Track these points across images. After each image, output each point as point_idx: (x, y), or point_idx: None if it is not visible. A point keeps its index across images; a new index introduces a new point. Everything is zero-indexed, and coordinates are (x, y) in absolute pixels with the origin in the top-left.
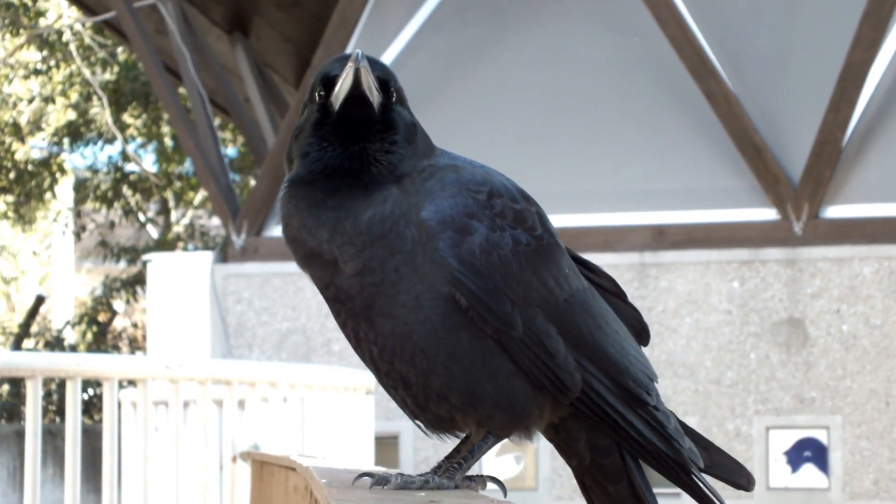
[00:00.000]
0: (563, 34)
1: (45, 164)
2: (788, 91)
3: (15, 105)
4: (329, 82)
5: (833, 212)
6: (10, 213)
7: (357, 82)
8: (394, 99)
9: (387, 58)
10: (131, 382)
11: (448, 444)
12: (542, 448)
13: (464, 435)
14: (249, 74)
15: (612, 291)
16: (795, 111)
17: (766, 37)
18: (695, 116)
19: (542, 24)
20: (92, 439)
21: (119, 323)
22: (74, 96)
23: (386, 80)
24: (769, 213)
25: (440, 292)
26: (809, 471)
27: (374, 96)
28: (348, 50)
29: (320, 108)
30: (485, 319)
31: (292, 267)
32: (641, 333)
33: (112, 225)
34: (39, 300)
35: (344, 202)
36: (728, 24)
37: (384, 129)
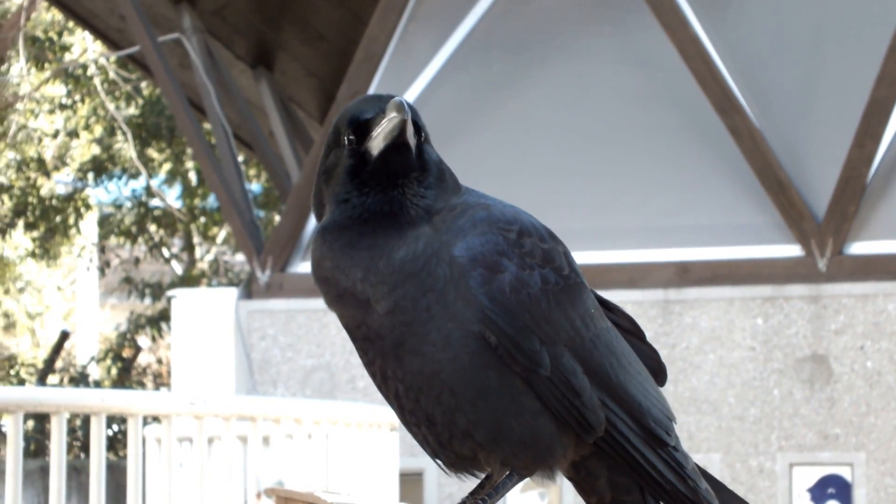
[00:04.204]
0: (587, 70)
1: (69, 199)
2: (813, 127)
3: (40, 140)
4: (361, 126)
5: (857, 248)
6: (36, 249)
7: (402, 132)
8: (423, 138)
9: (411, 93)
10: (156, 419)
11: (469, 482)
12: (565, 485)
13: (484, 475)
14: (273, 109)
15: (630, 331)
16: (820, 147)
17: (790, 72)
18: (719, 152)
19: (566, 60)
20: (116, 475)
21: (144, 359)
22: (99, 131)
23: (415, 121)
24: (793, 250)
25: (470, 330)
26: None
27: (413, 142)
28: (373, 86)
29: (353, 154)
30: (513, 357)
31: (317, 303)
32: (658, 373)
33: (137, 261)
34: (64, 336)
35: (378, 241)
36: (752, 59)
37: (420, 173)
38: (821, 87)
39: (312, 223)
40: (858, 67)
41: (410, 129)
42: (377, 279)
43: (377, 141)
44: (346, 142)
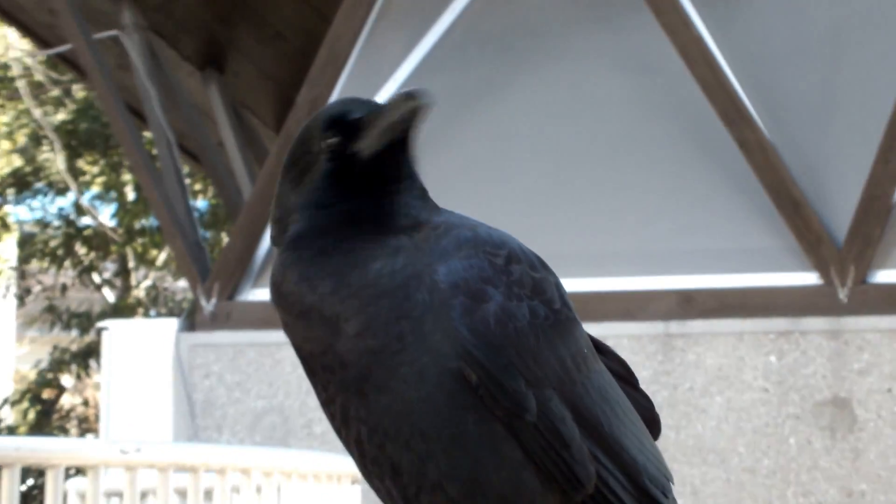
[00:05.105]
0: (578, 75)
1: None
2: (832, 140)
3: None
4: (348, 126)
5: (883, 276)
6: None
7: (416, 123)
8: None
9: (379, 99)
10: (80, 470)
11: None
12: None
13: None
14: (224, 116)
15: (622, 376)
16: (840, 162)
17: (806, 78)
18: (726, 168)
19: (554, 64)
20: None
21: (67, 401)
22: (22, 140)
23: None
24: (810, 278)
25: (447, 366)
26: None
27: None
28: (337, 90)
29: (336, 158)
30: (496, 400)
31: (269, 336)
32: (652, 425)
33: (63, 288)
34: None
35: (355, 249)
36: (764, 64)
37: (410, 181)
38: (841, 94)
39: (265, 245)
40: (883, 73)
41: (419, 122)
42: (347, 293)
43: (371, 139)
44: (326, 144)
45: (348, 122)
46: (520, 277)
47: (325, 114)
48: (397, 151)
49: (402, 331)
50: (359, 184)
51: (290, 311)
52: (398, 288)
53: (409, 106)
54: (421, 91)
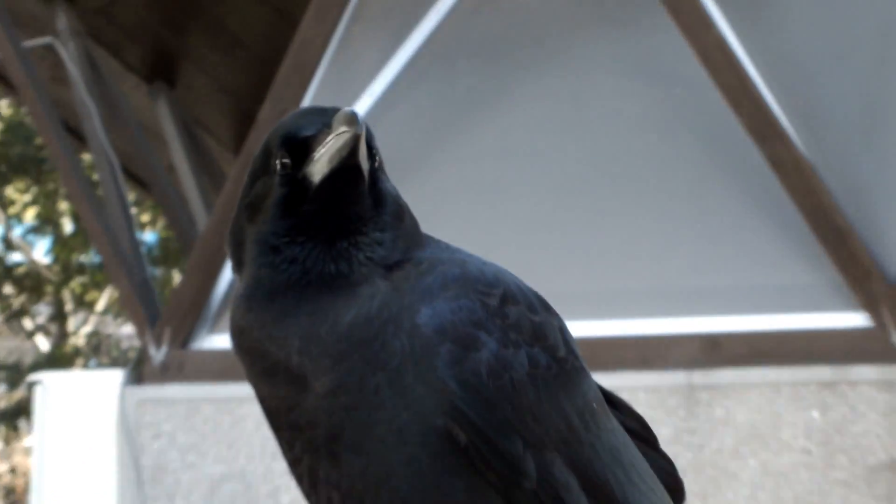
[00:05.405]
0: (582, 84)
1: None
2: (880, 157)
3: None
4: (298, 146)
5: None
6: None
7: (354, 152)
8: (377, 163)
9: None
10: None
11: None
12: None
13: None
14: (175, 135)
15: (639, 435)
16: (889, 183)
17: (849, 88)
18: (757, 192)
19: (555, 72)
20: None
21: None
22: None
23: (368, 142)
24: (858, 319)
25: (432, 424)
26: None
27: (366, 166)
28: (305, 105)
29: (287, 183)
30: (488, 463)
31: (228, 390)
32: (675, 492)
33: None
34: None
35: (321, 304)
36: (800, 71)
37: (374, 210)
38: (890, 105)
39: (223, 283)
40: None
41: (364, 149)
42: (319, 350)
43: (320, 164)
44: (279, 166)
45: (299, 140)
46: (517, 321)
47: (282, 128)
48: (351, 177)
49: (378, 384)
50: (314, 214)
51: (254, 366)
52: (374, 338)
53: (342, 135)
54: (348, 115)
